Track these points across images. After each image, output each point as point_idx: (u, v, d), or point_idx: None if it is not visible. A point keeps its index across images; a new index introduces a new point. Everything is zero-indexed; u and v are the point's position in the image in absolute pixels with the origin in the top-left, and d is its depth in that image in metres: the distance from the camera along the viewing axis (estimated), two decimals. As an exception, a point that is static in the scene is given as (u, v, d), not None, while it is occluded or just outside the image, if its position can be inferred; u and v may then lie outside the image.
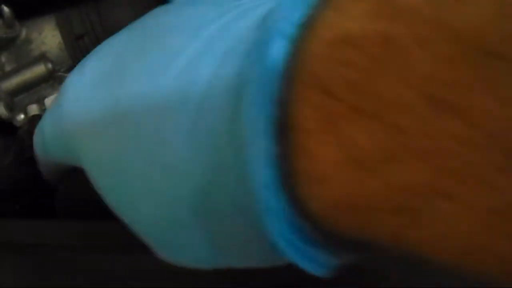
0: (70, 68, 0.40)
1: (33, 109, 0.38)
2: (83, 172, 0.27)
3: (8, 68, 0.39)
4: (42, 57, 0.39)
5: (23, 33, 0.39)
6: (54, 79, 0.39)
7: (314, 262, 0.20)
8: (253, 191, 0.19)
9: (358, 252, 0.20)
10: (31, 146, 0.37)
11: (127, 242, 0.29)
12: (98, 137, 0.25)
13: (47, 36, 0.39)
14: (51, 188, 0.34)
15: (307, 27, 0.18)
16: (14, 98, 0.38)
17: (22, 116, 0.38)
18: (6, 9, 0.37)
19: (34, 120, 0.37)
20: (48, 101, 0.38)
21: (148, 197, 0.23)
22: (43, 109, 0.38)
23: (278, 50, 0.18)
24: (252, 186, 0.19)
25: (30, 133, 0.37)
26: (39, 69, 0.38)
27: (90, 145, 0.26)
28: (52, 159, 0.31)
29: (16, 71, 0.38)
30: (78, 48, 0.39)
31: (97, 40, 0.39)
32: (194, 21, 0.24)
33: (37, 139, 0.31)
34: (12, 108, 0.38)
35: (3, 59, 0.39)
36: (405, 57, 0.16)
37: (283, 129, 0.18)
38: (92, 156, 0.26)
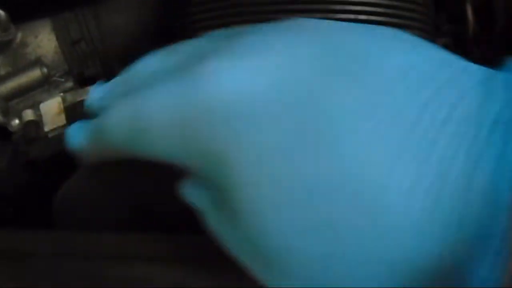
0: (65, 73, 0.39)
1: (28, 114, 0.37)
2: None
3: (3, 72, 0.38)
4: (38, 62, 0.38)
5: (19, 36, 0.39)
6: (49, 84, 0.38)
7: None
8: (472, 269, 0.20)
9: None
10: (25, 151, 0.37)
11: (122, 252, 0.29)
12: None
13: (43, 40, 0.39)
14: (46, 192, 0.34)
15: None
16: (9, 103, 0.38)
17: (16, 121, 0.37)
18: (1, 12, 0.37)
19: (28, 126, 0.36)
20: (43, 106, 0.37)
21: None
22: (38, 114, 0.37)
23: None
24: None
25: (25, 138, 0.37)
26: (35, 74, 0.38)
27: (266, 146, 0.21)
28: (135, 154, 0.25)
29: (11, 75, 0.38)
30: (75, 52, 0.39)
31: (94, 45, 0.39)
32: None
33: (120, 129, 0.25)
34: (6, 112, 0.38)
35: (-2, 62, 0.39)
36: None
37: None
38: (265, 164, 0.21)
